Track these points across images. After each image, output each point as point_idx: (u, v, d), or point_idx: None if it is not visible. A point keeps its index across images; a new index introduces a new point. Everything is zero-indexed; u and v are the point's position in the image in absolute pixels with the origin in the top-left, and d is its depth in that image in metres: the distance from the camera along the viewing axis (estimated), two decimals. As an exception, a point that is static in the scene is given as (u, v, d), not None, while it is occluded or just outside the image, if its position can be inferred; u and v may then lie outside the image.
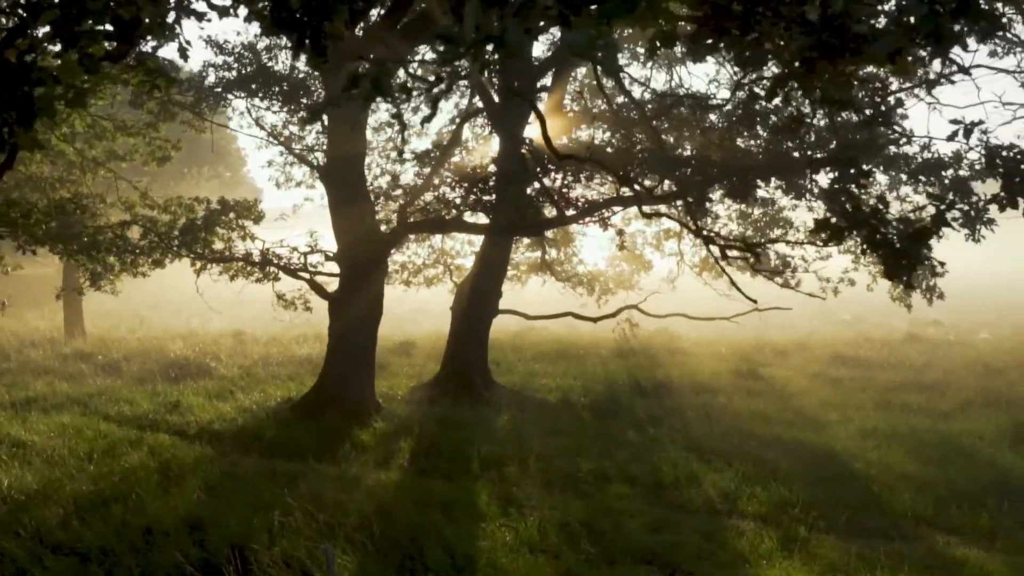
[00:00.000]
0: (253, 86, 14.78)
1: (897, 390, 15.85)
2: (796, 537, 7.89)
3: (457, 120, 20.16)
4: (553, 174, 12.27)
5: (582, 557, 7.10)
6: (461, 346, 15.73)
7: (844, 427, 12.69)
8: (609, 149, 11.64)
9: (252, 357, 19.46)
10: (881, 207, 4.23)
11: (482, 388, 14.95)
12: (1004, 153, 4.52)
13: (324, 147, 15.07)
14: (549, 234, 21.37)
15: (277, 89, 14.71)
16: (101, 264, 14.25)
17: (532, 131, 14.69)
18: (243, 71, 14.80)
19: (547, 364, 19.02)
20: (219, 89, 15.02)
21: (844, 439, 11.87)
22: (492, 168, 14.04)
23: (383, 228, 14.47)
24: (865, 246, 4.01)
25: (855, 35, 2.61)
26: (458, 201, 13.00)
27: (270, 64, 14.97)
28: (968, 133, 4.32)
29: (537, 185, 12.42)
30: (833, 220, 4.02)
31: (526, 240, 21.00)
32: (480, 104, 16.98)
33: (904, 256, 3.91)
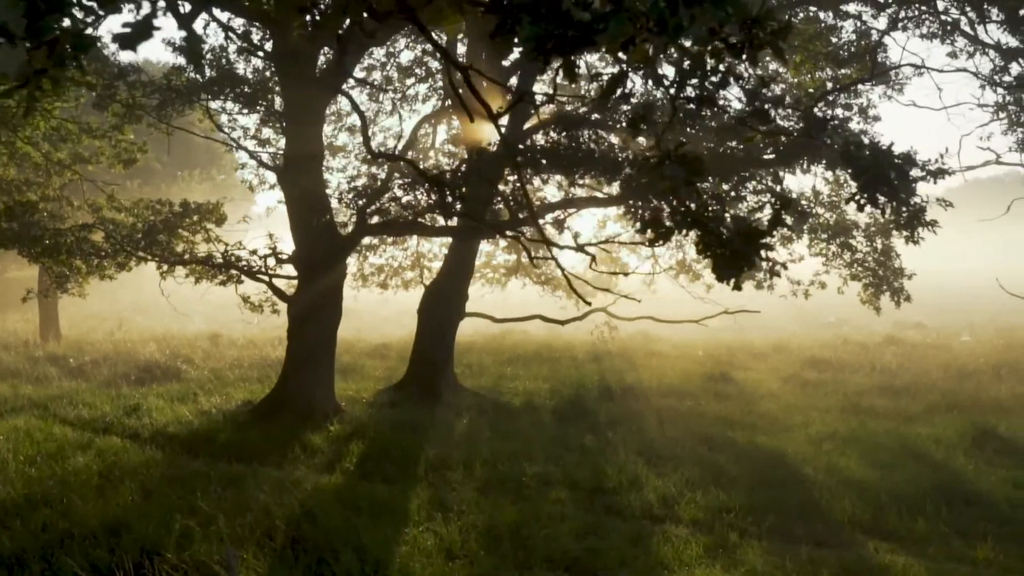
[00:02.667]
0: (216, 88, 14.75)
1: (866, 393, 15.72)
2: (726, 543, 7.79)
3: (431, 121, 20.17)
4: (508, 176, 12.21)
5: (499, 562, 7.01)
6: (426, 349, 15.66)
7: (803, 431, 12.56)
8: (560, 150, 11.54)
9: (225, 360, 19.39)
10: (714, 204, 4.17)
11: (445, 391, 14.86)
12: (861, 152, 4.40)
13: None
14: (529, 234, 21.33)
15: (239, 91, 14.67)
16: (67, 267, 14.24)
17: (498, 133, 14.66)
18: (208, 74, 14.77)
19: (520, 367, 18.90)
20: (185, 91, 14.98)
21: (799, 443, 11.75)
22: (462, 168, 13.99)
23: (344, 230, 14.40)
24: (699, 246, 3.93)
25: (579, 23, 2.51)
26: (416, 203, 12.94)
27: (231, 67, 14.92)
28: (820, 128, 4.24)
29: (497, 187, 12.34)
30: (666, 219, 3.93)
31: (503, 243, 20.95)
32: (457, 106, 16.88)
33: (738, 258, 3.83)
